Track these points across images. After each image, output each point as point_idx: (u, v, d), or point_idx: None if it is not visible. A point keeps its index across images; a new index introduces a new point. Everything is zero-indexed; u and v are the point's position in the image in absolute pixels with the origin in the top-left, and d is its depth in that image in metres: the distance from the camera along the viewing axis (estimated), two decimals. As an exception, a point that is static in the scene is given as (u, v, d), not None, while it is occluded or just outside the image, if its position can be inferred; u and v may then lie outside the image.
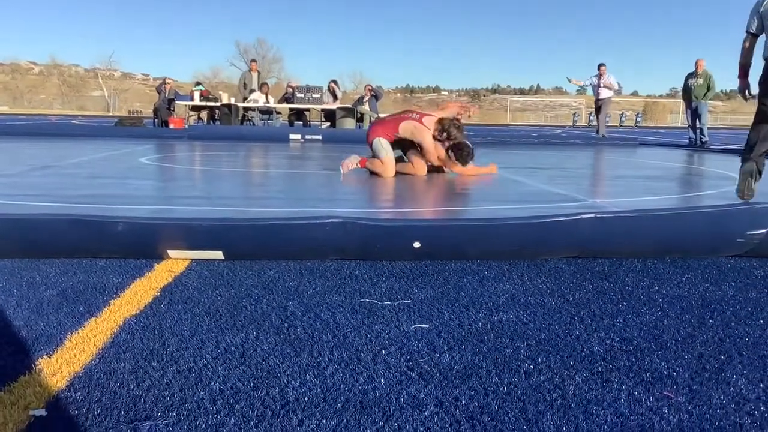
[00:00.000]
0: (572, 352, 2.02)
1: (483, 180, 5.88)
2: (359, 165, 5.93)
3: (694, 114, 13.61)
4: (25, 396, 1.61)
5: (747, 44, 4.60)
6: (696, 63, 13.46)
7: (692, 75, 13.48)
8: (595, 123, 17.63)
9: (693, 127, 13.77)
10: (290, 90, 17.68)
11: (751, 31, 4.53)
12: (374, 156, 5.80)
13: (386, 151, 5.66)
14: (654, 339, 2.15)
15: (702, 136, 13.53)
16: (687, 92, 13.60)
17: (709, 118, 13.97)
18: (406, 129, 5.69)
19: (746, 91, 4.70)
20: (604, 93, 14.94)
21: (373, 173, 5.79)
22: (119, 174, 5.79)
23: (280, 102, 17.73)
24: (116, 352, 1.93)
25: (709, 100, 13.69)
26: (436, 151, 5.79)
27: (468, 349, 2.02)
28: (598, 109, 15.33)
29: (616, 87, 14.90)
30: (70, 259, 3.03)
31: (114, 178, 5.41)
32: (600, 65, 14.91)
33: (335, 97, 17.64)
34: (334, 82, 18.10)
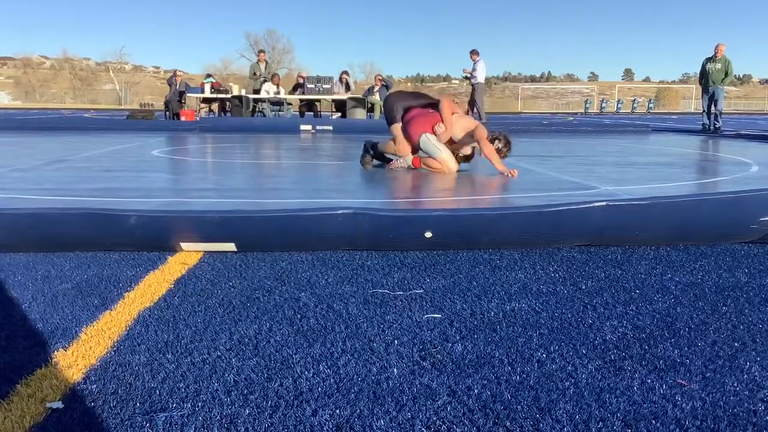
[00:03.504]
0: (585, 340, 2.02)
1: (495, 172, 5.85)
2: (412, 165, 5.63)
3: (711, 99, 13.49)
4: (42, 389, 1.63)
5: None
6: (716, 48, 13.32)
7: (711, 60, 13.34)
8: (607, 110, 17.72)
9: (708, 112, 13.65)
10: (301, 80, 17.70)
11: None
12: (426, 154, 5.58)
13: (438, 147, 5.40)
14: (667, 326, 2.14)
15: (716, 122, 13.42)
16: (704, 77, 13.48)
17: (724, 104, 13.88)
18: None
19: None
20: (475, 79, 15.61)
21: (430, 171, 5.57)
22: (132, 167, 5.81)
23: (291, 93, 17.75)
24: (131, 345, 1.95)
25: (726, 85, 13.59)
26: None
27: (480, 338, 2.03)
28: (472, 95, 15.88)
29: (476, 76, 15.54)
30: (84, 252, 3.06)
31: (126, 171, 5.43)
32: (471, 51, 15.55)
33: (348, 88, 17.63)
34: (346, 73, 18.09)
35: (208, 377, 1.72)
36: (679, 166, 6.57)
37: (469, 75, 15.72)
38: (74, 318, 2.18)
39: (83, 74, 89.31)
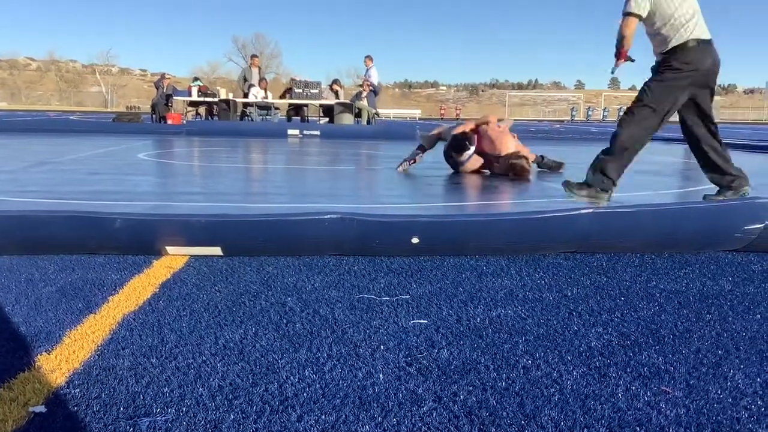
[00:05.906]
0: (570, 347, 2.02)
1: (485, 174, 5.88)
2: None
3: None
4: (25, 393, 1.62)
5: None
6: None
7: None
8: (593, 118, 17.93)
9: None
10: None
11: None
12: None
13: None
14: (651, 334, 2.15)
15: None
16: None
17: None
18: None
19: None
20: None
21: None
22: (118, 170, 5.78)
23: (282, 97, 17.72)
24: (115, 349, 1.93)
25: None
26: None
27: (466, 344, 2.03)
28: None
29: (375, 83, 16.18)
30: (68, 255, 3.03)
31: (112, 174, 5.40)
32: (365, 57, 16.22)
33: (338, 97, 17.64)
34: (337, 82, 18.10)
35: (193, 382, 1.71)
36: (664, 174, 6.62)
37: (367, 81, 16.33)
38: (58, 321, 2.17)
39: (69, 76, 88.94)
